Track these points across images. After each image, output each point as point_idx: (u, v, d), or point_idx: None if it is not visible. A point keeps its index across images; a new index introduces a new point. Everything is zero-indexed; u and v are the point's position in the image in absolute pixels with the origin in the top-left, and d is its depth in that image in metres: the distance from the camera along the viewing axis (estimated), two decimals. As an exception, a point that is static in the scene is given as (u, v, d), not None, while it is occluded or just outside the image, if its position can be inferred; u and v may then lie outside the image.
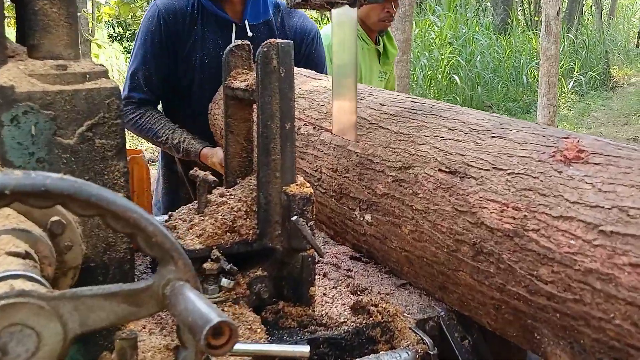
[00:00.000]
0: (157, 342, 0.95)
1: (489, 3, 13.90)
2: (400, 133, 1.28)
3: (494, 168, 1.05)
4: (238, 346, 0.82)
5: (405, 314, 1.12)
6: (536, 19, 13.11)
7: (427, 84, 9.66)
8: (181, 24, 2.03)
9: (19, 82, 0.87)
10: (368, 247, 1.38)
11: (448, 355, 1.13)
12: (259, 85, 1.04)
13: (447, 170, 1.12)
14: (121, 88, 1.75)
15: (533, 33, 11.90)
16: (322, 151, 1.50)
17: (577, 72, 11.86)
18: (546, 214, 0.92)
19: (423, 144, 1.22)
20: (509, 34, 11.91)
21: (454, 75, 9.67)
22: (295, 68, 1.10)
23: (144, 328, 0.99)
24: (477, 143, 1.12)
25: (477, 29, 11.03)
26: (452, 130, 1.20)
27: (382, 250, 1.32)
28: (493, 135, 1.12)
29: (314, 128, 1.58)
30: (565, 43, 11.69)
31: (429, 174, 1.16)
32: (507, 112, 10.10)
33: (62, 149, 0.89)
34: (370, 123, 1.40)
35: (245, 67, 1.16)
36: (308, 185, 1.07)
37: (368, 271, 1.34)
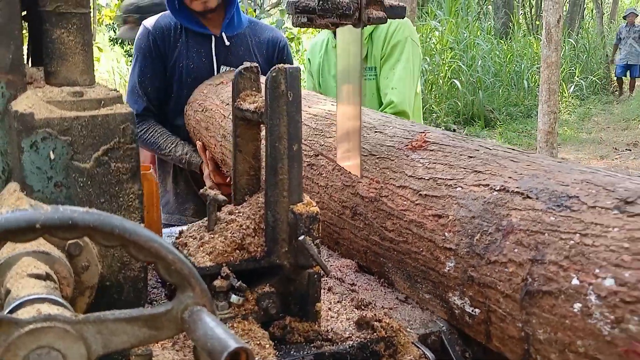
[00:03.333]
0: (170, 356, 0.98)
1: (490, 7, 13.91)
2: (317, 129, 1.68)
3: (370, 154, 1.42)
4: (249, 363, 0.86)
5: (408, 329, 1.15)
6: (537, 23, 13.12)
7: (429, 89, 9.69)
8: (168, 38, 2.36)
9: (38, 109, 0.90)
10: None
11: (450, 369, 1.17)
12: (268, 108, 1.07)
13: None
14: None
15: (534, 37, 11.92)
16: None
17: (578, 77, 11.88)
18: (393, 184, 1.31)
19: (330, 137, 1.59)
20: (510, 38, 11.92)
21: (454, 80, 9.70)
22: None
23: (157, 343, 1.03)
24: (364, 136, 1.49)
25: (478, 33, 11.05)
26: None
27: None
28: (376, 130, 1.51)
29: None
30: (566, 47, 11.71)
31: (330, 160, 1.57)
32: (508, 117, 10.11)
33: (79, 172, 0.92)
34: None
35: (254, 89, 1.20)
36: (314, 204, 1.11)
37: (371, 285, 1.37)
